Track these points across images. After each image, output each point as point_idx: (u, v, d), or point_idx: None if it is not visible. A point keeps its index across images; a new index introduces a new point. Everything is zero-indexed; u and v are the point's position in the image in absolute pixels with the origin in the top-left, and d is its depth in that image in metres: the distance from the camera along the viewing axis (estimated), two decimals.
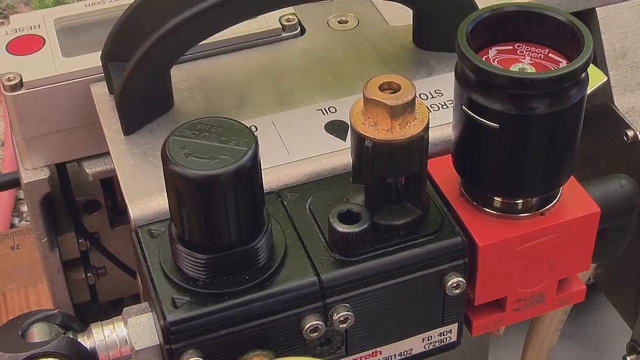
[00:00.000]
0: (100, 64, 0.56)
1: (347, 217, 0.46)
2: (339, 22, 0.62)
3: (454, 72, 0.46)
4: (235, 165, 0.41)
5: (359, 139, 0.44)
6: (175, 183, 0.42)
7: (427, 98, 0.55)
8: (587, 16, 0.66)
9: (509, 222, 0.48)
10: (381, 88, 0.44)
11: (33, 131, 0.58)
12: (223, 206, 0.42)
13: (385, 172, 0.45)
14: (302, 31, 0.61)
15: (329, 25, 0.62)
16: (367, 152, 0.44)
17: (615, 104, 0.64)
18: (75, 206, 0.66)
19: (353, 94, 0.56)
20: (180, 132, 0.43)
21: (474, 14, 0.46)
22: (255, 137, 0.43)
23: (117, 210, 0.68)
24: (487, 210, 0.48)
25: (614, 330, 0.90)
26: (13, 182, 0.76)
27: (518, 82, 0.43)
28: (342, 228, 0.45)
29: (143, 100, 0.53)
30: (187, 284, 0.44)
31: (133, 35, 0.53)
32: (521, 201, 0.48)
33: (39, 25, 0.60)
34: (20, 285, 0.91)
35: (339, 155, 0.52)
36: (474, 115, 0.45)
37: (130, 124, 0.53)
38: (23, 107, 0.57)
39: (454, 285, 0.47)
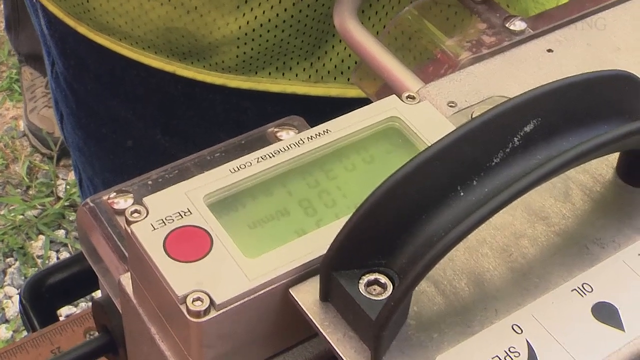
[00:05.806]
0: (297, 263, 0.45)
1: None
2: None
3: None
4: None
5: None
6: None
7: None
8: None
9: None
10: None
11: (216, 351, 0.46)
12: None
13: None
14: None
15: None
16: None
17: None
18: None
19: (594, 263, 0.48)
20: None
21: None
22: None
23: None
24: None
25: None
26: None
27: None
28: None
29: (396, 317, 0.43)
30: None
31: (376, 241, 0.43)
32: None
33: (189, 210, 0.47)
34: None
35: (622, 352, 0.45)
36: None
37: (383, 350, 0.43)
38: (211, 330, 0.45)
39: None
